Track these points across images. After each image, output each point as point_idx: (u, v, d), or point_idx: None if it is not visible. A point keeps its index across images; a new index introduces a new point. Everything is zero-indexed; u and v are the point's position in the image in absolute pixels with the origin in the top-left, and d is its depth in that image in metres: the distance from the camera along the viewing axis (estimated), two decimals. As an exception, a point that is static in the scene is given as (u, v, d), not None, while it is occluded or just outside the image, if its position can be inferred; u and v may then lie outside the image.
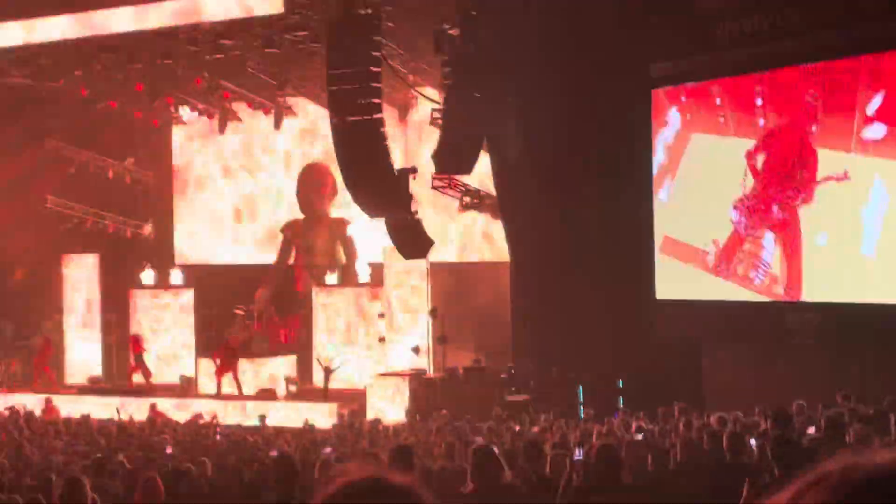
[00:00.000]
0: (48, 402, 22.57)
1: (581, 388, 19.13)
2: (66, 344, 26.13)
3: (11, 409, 20.74)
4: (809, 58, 16.33)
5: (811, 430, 10.12)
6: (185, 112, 27.02)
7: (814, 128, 16.20)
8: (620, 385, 19.04)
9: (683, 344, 18.58)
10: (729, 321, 17.65)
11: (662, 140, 18.84)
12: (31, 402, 22.29)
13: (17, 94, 24.51)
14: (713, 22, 17.30)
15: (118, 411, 20.29)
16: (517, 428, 14.51)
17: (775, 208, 16.94)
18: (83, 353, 26.07)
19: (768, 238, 17.15)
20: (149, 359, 24.43)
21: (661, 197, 18.86)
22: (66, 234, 26.31)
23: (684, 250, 18.46)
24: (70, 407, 22.05)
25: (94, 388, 24.71)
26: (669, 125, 18.74)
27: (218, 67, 22.87)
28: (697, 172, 18.25)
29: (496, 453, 6.27)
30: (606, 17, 18.65)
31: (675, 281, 18.67)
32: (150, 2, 21.60)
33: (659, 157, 18.92)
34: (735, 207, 17.52)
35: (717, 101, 17.83)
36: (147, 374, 23.97)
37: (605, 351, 19.12)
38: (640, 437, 11.72)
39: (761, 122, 17.11)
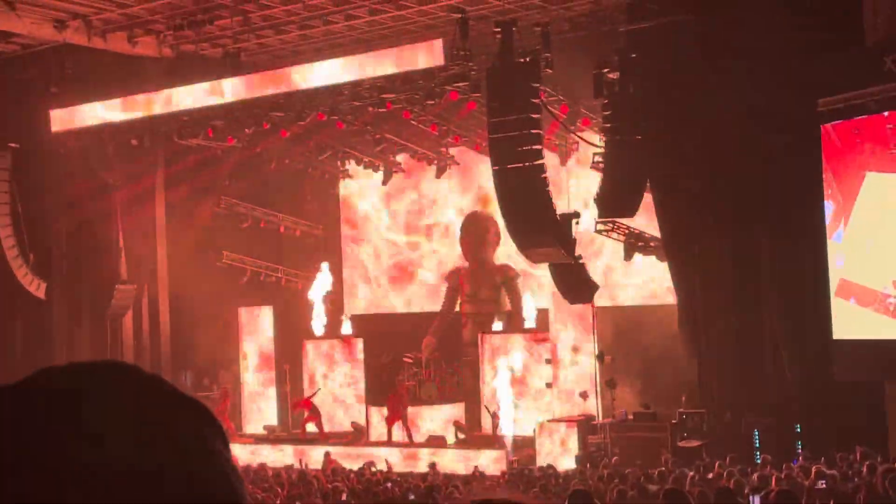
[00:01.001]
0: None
1: (757, 432, 18.56)
2: (243, 394, 26.94)
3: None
4: None
5: None
6: (350, 165, 27.76)
7: None
8: (798, 429, 18.38)
9: (864, 385, 17.83)
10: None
11: (834, 178, 18.16)
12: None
13: (193, 155, 25.71)
14: (885, 53, 16.70)
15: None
16: (691, 475, 14.19)
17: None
18: (259, 402, 26.83)
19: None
20: (321, 408, 24.92)
21: (836, 238, 18.13)
22: (242, 287, 27.23)
23: (863, 293, 17.68)
24: (248, 455, 22.70)
25: (270, 437, 25.38)
26: (841, 162, 18.07)
27: (381, 121, 23.47)
28: (874, 212, 17.47)
29: (689, 498, 6.16)
30: (772, 53, 18.26)
31: (853, 323, 17.89)
32: (313, 61, 22.46)
33: (831, 196, 18.22)
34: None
35: (894, 137, 17.11)
36: (320, 425, 24.42)
37: (781, 394, 18.52)
38: (821, 483, 11.30)
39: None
